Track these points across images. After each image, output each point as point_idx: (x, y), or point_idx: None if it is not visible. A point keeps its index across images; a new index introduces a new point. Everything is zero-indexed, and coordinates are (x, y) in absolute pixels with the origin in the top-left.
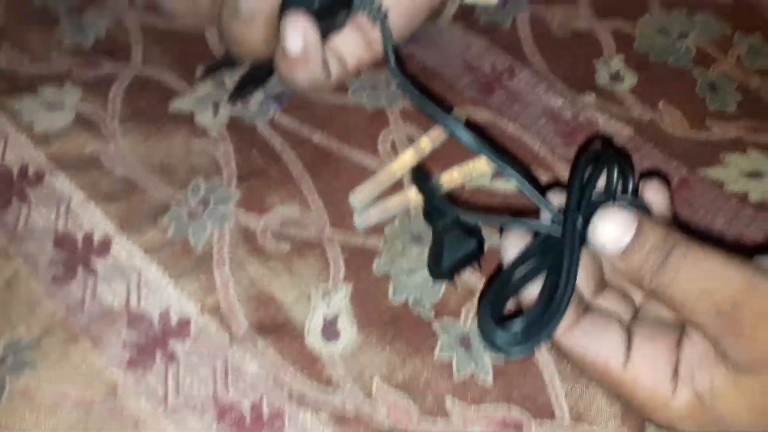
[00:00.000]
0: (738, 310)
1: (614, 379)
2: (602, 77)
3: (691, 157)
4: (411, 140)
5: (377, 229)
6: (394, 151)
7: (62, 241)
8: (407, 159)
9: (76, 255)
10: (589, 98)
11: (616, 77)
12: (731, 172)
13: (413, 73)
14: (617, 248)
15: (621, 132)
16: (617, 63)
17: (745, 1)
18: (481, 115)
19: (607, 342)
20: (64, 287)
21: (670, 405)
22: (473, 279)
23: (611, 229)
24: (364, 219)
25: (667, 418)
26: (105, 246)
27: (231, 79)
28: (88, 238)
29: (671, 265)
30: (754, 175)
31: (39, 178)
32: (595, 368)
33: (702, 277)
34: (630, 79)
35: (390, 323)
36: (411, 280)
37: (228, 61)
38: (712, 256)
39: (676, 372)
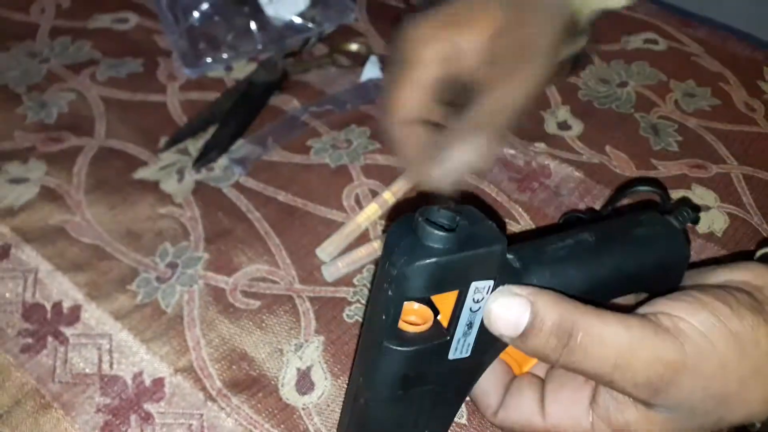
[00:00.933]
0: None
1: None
2: (551, 126)
3: None
4: (374, 193)
5: (346, 280)
6: (359, 204)
7: (31, 312)
8: (371, 212)
9: (46, 325)
10: (540, 146)
11: (563, 125)
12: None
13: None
14: (514, 333)
15: (572, 175)
16: (564, 113)
17: (675, 49)
18: None
19: (525, 403)
20: (34, 357)
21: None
22: None
23: (505, 315)
24: (332, 271)
25: None
26: (74, 314)
27: (194, 146)
28: (57, 308)
29: (578, 346)
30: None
31: (5, 251)
32: (524, 430)
33: (613, 353)
34: (577, 127)
35: None
36: None
37: (191, 130)
38: (614, 326)
39: (591, 409)
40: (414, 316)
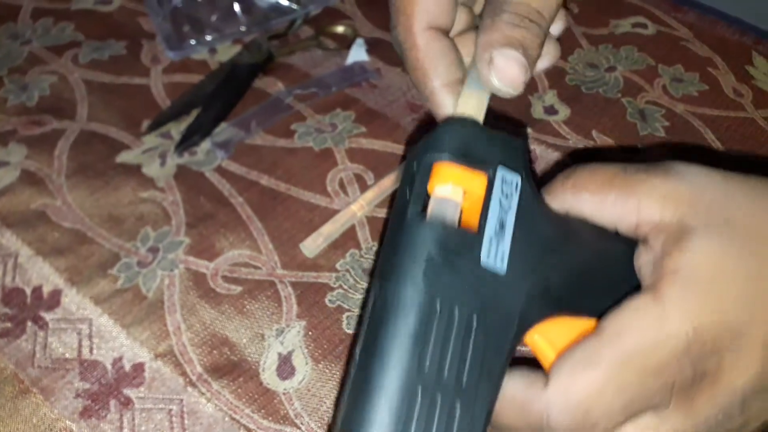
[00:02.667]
0: None
1: None
2: (537, 111)
3: None
4: (359, 177)
5: (328, 266)
6: (343, 189)
7: (10, 297)
8: (346, 216)
9: (26, 309)
10: (526, 131)
11: (550, 110)
12: None
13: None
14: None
15: (558, 160)
16: (551, 97)
17: (664, 33)
18: None
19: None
20: (14, 342)
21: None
22: None
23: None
24: (312, 247)
25: None
26: (54, 299)
27: (177, 130)
28: (37, 292)
29: None
30: None
31: None
32: None
33: None
34: (564, 111)
35: (345, 353)
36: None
37: (174, 113)
38: None
39: None
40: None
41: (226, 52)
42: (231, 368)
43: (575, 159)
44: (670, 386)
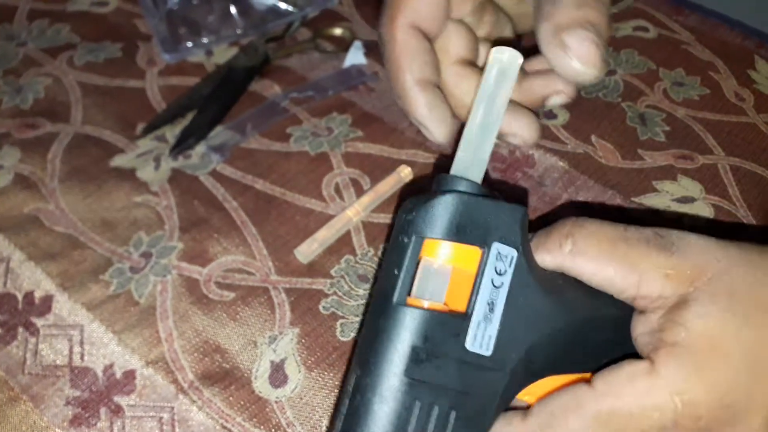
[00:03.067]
0: None
1: None
2: None
3: (625, 186)
4: (355, 182)
5: (323, 271)
6: (338, 194)
7: (2, 302)
8: (340, 223)
9: (17, 315)
10: (527, 192)
11: (549, 114)
12: (664, 198)
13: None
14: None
15: (556, 165)
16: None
17: (665, 37)
18: (423, 156)
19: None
20: (4, 348)
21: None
22: None
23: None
24: (306, 253)
25: None
26: (46, 305)
27: (172, 133)
28: (28, 298)
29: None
30: (685, 200)
31: None
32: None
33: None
34: (563, 116)
35: (338, 361)
36: (359, 318)
37: (169, 116)
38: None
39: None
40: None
41: (223, 54)
42: (223, 376)
43: (573, 164)
44: None
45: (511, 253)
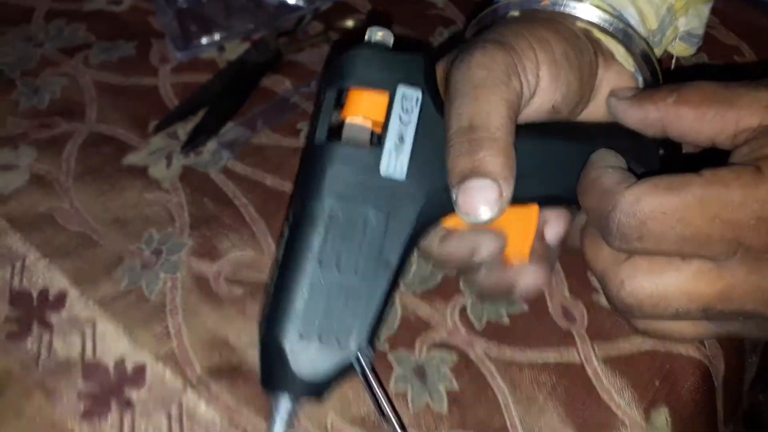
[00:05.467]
0: None
1: None
2: None
3: None
4: None
5: None
6: None
7: (17, 299)
8: None
9: (32, 311)
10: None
11: None
12: None
13: None
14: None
15: None
16: None
17: None
18: None
19: (670, 177)
20: (19, 344)
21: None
22: (427, 310)
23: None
24: None
25: None
26: (60, 301)
27: (184, 130)
28: (43, 295)
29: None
30: None
31: None
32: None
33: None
34: None
35: None
36: None
37: (181, 113)
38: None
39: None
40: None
41: (235, 50)
42: (231, 370)
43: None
44: (739, 244)
45: (416, 93)
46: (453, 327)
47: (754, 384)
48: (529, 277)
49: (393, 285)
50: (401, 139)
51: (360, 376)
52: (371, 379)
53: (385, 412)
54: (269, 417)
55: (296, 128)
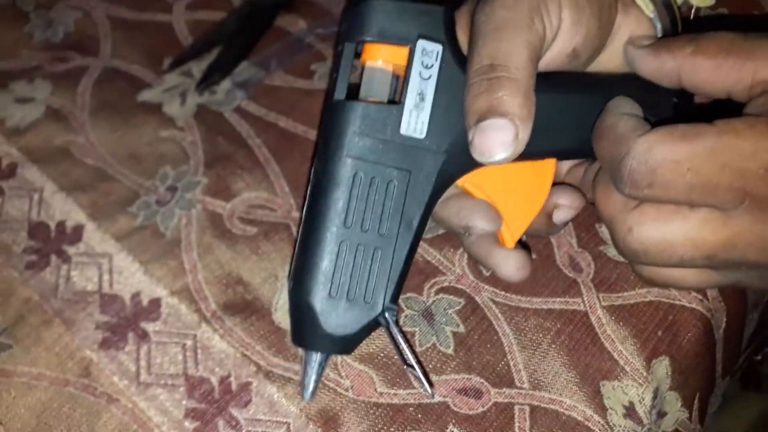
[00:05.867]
0: None
1: None
2: None
3: None
4: None
5: None
6: None
7: (36, 231)
8: None
9: (50, 243)
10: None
11: None
12: None
13: None
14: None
15: None
16: None
17: None
18: None
19: (684, 126)
20: (38, 274)
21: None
22: (436, 255)
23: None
24: None
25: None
26: (77, 234)
27: (198, 68)
28: (60, 227)
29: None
30: None
31: (12, 170)
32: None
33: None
34: None
35: None
36: None
37: (195, 51)
38: None
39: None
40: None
41: None
42: (244, 307)
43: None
44: (746, 193)
45: (437, 48)
46: (461, 272)
47: (751, 341)
48: (509, 267)
49: (416, 243)
50: (422, 96)
51: (387, 331)
52: (398, 334)
53: (411, 365)
54: (302, 370)
55: (310, 69)
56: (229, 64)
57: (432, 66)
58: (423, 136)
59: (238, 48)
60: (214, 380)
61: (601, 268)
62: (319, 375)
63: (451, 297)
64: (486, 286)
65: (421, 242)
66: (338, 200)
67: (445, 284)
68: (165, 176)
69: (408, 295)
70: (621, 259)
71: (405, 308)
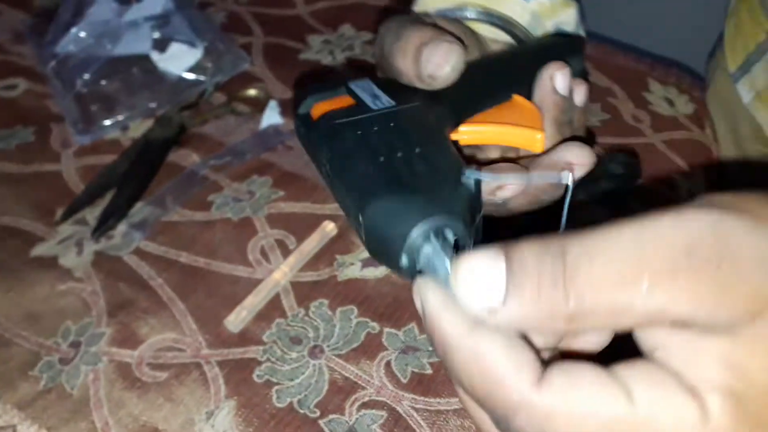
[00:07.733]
0: (694, 257)
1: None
2: None
3: None
4: (280, 243)
5: (255, 338)
6: (264, 257)
7: None
8: (277, 277)
9: None
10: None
11: None
12: None
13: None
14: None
15: None
16: None
17: None
18: None
19: (596, 391)
20: None
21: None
22: (353, 370)
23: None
24: (236, 322)
25: None
26: None
27: (92, 215)
28: None
29: (575, 274)
30: None
31: None
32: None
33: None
34: None
35: (276, 429)
36: (293, 382)
37: (88, 198)
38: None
39: (690, 387)
40: None
41: (138, 128)
42: None
43: None
44: None
45: (366, 83)
46: (380, 384)
47: None
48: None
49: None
50: (375, 96)
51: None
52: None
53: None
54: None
55: (207, 201)
56: (124, 207)
57: (369, 88)
58: (394, 104)
59: (131, 189)
60: None
61: None
62: (447, 253)
63: (373, 411)
64: (405, 394)
65: (337, 359)
66: (357, 167)
67: (366, 399)
68: (67, 332)
69: (330, 417)
70: None
71: (328, 431)
